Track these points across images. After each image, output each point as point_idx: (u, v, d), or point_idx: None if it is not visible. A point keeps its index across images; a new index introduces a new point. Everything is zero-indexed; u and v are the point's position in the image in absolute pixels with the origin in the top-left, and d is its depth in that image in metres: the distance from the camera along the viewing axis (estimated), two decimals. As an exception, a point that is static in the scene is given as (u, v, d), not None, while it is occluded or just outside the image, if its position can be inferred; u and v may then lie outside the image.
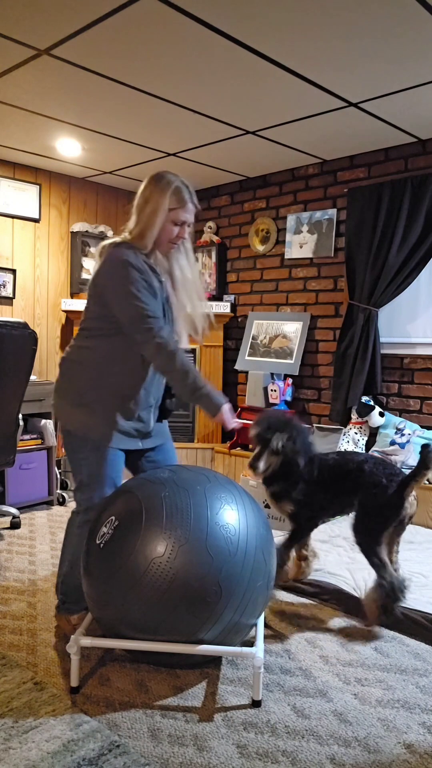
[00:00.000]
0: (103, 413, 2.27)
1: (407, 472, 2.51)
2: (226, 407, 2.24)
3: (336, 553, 3.20)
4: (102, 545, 2.04)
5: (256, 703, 2.00)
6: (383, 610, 2.44)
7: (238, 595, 1.98)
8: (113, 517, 2.06)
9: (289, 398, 4.57)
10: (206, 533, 1.97)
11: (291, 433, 2.56)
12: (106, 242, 2.28)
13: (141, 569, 1.93)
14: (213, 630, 1.98)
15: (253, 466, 2.54)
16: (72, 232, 5.04)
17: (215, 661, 2.24)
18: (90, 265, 5.18)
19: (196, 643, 1.99)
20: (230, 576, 1.96)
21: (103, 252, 2.27)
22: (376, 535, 2.46)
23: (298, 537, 2.72)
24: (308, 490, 2.61)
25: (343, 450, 3.43)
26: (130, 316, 2.17)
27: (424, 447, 2.42)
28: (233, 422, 2.26)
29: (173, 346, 2.17)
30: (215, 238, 5.15)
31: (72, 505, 4.34)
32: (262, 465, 2.55)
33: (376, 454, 3.96)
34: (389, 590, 2.40)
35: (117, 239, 2.27)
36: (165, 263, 2.35)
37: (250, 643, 2.19)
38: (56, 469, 4.37)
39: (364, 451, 4.12)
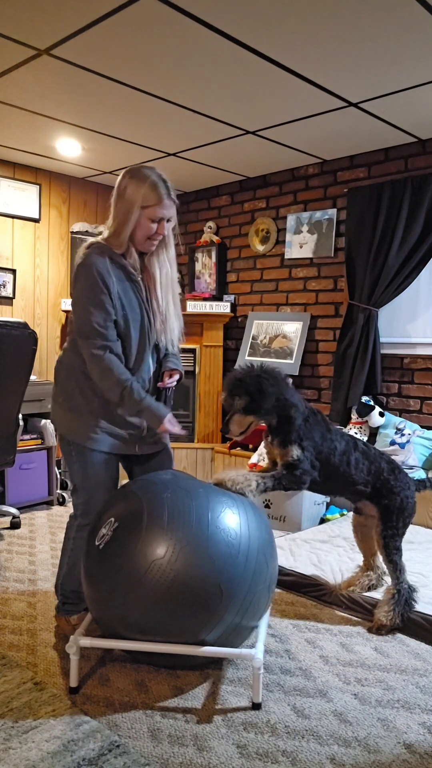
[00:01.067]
0: (89, 417, 2.25)
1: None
2: (168, 416, 2.20)
3: (336, 553, 3.20)
4: (101, 546, 2.04)
5: (256, 706, 1.99)
6: (401, 616, 2.47)
7: (239, 597, 1.97)
8: (112, 519, 2.06)
9: (289, 398, 4.57)
10: (208, 535, 1.96)
11: (260, 389, 2.29)
12: (84, 244, 2.24)
13: (141, 570, 1.92)
14: (214, 632, 1.98)
15: (223, 431, 2.42)
16: (72, 232, 5.04)
17: (216, 662, 2.23)
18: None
19: (196, 645, 1.99)
20: (232, 579, 1.95)
21: (78, 255, 2.24)
22: (401, 539, 2.52)
23: (318, 489, 2.52)
24: (316, 433, 2.41)
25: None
26: (77, 326, 2.17)
27: None
28: (177, 429, 2.23)
29: (108, 362, 2.14)
30: (215, 238, 5.15)
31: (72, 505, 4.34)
32: (233, 428, 2.35)
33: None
34: (408, 594, 2.46)
35: (93, 239, 2.23)
36: (145, 261, 2.27)
37: (253, 645, 2.19)
38: (56, 469, 4.37)
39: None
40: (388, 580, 2.63)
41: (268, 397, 2.29)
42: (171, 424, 2.21)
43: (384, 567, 2.70)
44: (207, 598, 1.92)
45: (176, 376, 2.38)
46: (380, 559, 2.64)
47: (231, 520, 2.03)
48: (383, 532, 2.50)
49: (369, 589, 2.74)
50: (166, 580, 1.91)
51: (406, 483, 2.55)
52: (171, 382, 2.35)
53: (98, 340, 2.14)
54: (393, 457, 3.85)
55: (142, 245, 2.21)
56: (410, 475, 2.66)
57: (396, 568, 2.48)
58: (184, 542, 1.93)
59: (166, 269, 2.29)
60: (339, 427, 2.64)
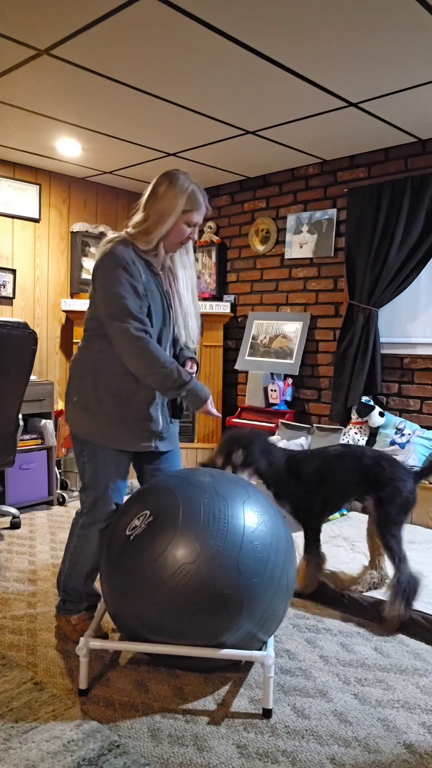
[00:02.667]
0: (103, 415, 2.25)
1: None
2: (210, 398, 2.28)
3: (336, 553, 3.20)
4: (132, 537, 2.01)
5: (266, 713, 1.96)
6: (406, 603, 2.48)
7: (258, 614, 1.97)
8: (147, 512, 2.03)
9: (289, 398, 4.57)
10: (240, 548, 1.94)
11: (242, 447, 2.58)
12: (105, 239, 2.27)
13: (169, 571, 1.91)
14: (227, 640, 1.97)
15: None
16: (72, 232, 5.04)
17: (226, 668, 2.21)
18: (90, 265, 5.18)
19: (208, 648, 1.97)
20: (254, 595, 1.94)
21: (100, 250, 2.26)
22: (401, 529, 2.57)
23: (310, 535, 2.74)
24: (298, 487, 2.65)
25: (344, 442, 3.45)
26: (109, 312, 2.15)
27: None
28: (216, 412, 2.31)
29: (152, 344, 2.15)
30: (215, 238, 5.15)
31: (72, 504, 4.34)
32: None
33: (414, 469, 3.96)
34: (410, 582, 2.48)
35: (115, 235, 2.26)
36: (167, 261, 2.35)
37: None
38: (56, 469, 4.37)
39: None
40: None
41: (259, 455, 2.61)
42: (211, 406, 2.29)
43: (386, 569, 2.74)
44: (227, 610, 1.91)
45: (195, 367, 2.45)
46: (385, 559, 2.68)
47: (263, 535, 2.01)
48: (378, 521, 2.57)
49: (371, 587, 2.74)
50: (190, 586, 1.89)
51: (398, 473, 2.59)
52: (192, 371, 2.41)
53: (137, 323, 2.14)
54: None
55: (172, 247, 2.28)
56: (408, 467, 2.72)
57: (394, 555, 2.51)
58: (215, 551, 1.91)
59: (188, 271, 2.39)
60: (304, 450, 2.86)
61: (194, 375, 2.40)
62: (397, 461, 2.66)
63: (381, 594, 2.65)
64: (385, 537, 2.54)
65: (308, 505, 2.68)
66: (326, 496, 2.66)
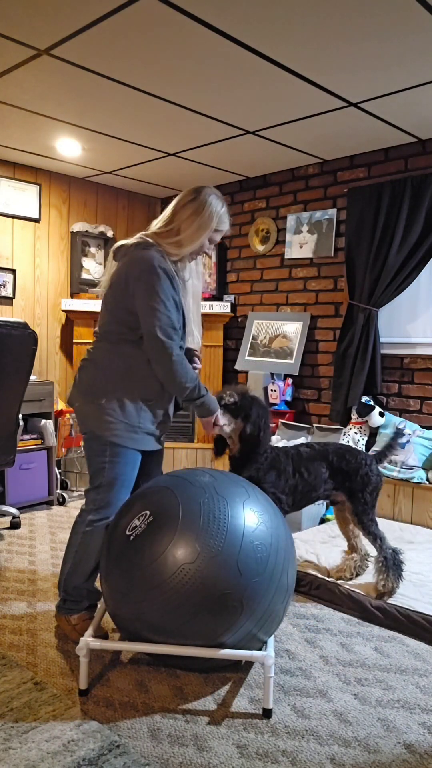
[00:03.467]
0: (134, 417, 2.29)
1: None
2: (219, 413, 2.45)
3: (336, 553, 3.20)
4: (132, 537, 2.02)
5: (266, 713, 1.96)
6: (396, 575, 2.64)
7: (258, 614, 1.97)
8: (147, 512, 2.03)
9: (289, 398, 4.57)
10: (240, 548, 1.94)
11: (251, 408, 2.60)
12: (129, 242, 2.29)
13: (169, 571, 1.91)
14: (227, 640, 1.97)
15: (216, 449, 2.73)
16: (72, 232, 5.04)
17: (226, 668, 2.22)
18: (90, 265, 5.18)
19: (208, 648, 1.97)
20: (254, 595, 1.94)
21: (125, 253, 2.27)
22: (373, 511, 2.76)
23: None
24: (281, 480, 2.68)
25: (308, 441, 3.48)
26: (153, 325, 2.21)
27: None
28: (215, 429, 2.47)
29: (185, 361, 2.27)
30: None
31: (72, 504, 4.34)
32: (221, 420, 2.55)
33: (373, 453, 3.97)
34: (394, 557, 2.67)
35: (146, 240, 2.27)
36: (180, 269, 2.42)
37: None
38: (56, 469, 4.37)
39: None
40: (371, 563, 2.87)
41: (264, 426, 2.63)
42: (214, 421, 2.45)
43: (365, 548, 2.95)
44: (227, 610, 1.91)
45: (198, 362, 2.56)
46: (362, 540, 2.91)
47: (263, 534, 2.01)
48: (354, 510, 2.74)
49: (357, 571, 2.89)
50: (190, 586, 1.89)
51: (362, 461, 2.76)
52: (197, 366, 2.53)
53: (177, 340, 2.25)
54: (393, 457, 3.85)
55: (191, 258, 2.37)
56: (366, 452, 2.90)
57: (376, 538, 2.70)
58: (215, 551, 1.91)
59: (195, 281, 2.47)
60: (279, 445, 2.88)
61: (198, 369, 2.53)
62: (357, 450, 2.81)
63: (371, 576, 2.78)
64: (364, 523, 2.72)
65: (278, 499, 2.71)
66: (298, 496, 2.74)
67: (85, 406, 2.33)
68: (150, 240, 2.27)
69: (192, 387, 2.29)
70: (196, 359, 2.54)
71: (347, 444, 3.26)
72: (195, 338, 2.49)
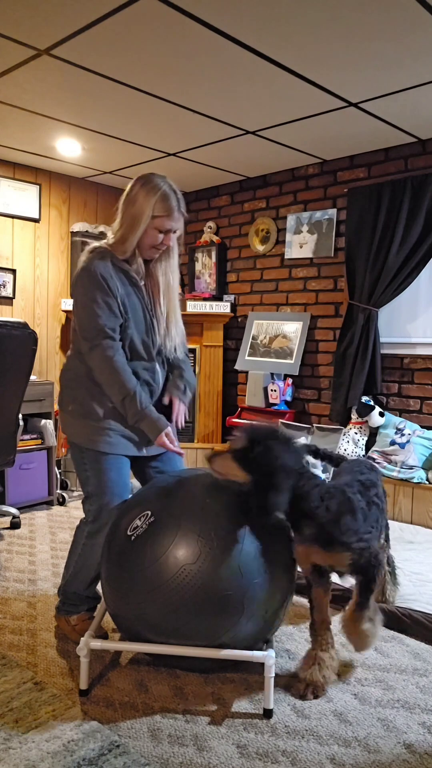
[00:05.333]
0: (101, 421, 2.25)
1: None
2: (167, 430, 2.21)
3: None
4: (133, 538, 2.01)
5: (267, 713, 1.96)
6: (396, 583, 2.58)
7: (258, 615, 1.97)
8: (149, 512, 2.03)
9: (289, 398, 4.57)
10: (241, 549, 1.94)
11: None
12: (86, 249, 2.25)
13: (170, 572, 1.90)
14: (228, 642, 1.97)
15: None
16: (72, 232, 5.04)
17: (226, 668, 2.21)
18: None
19: (208, 648, 1.97)
20: (255, 596, 1.94)
21: (79, 262, 2.24)
22: None
23: None
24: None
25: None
26: (82, 329, 2.17)
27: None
28: (174, 447, 2.23)
29: (117, 365, 2.15)
30: (215, 238, 5.15)
31: (72, 504, 4.34)
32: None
33: (376, 454, 3.97)
34: (393, 565, 2.59)
35: (95, 245, 2.23)
36: (153, 268, 2.29)
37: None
38: (56, 469, 4.37)
39: (363, 452, 4.12)
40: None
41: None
42: (168, 440, 2.22)
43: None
44: (227, 611, 1.91)
45: (181, 408, 2.36)
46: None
47: (266, 535, 2.00)
48: None
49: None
50: (192, 587, 1.89)
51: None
52: (178, 416, 2.35)
53: (107, 342, 2.15)
54: (393, 457, 3.85)
55: (146, 253, 2.23)
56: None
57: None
58: (217, 552, 1.91)
59: (169, 277, 2.31)
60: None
61: (183, 420, 2.36)
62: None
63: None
64: None
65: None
66: None
67: (60, 415, 2.34)
68: (98, 243, 2.23)
69: (127, 394, 2.14)
70: (175, 401, 2.34)
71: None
72: (173, 339, 2.33)
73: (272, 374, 4.60)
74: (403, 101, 3.31)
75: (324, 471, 3.84)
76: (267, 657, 1.96)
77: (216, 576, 1.89)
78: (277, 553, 2.03)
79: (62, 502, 4.35)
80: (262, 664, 1.98)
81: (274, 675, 1.98)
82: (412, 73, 2.97)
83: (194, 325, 4.87)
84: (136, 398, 2.17)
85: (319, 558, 2.00)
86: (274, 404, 4.54)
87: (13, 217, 4.69)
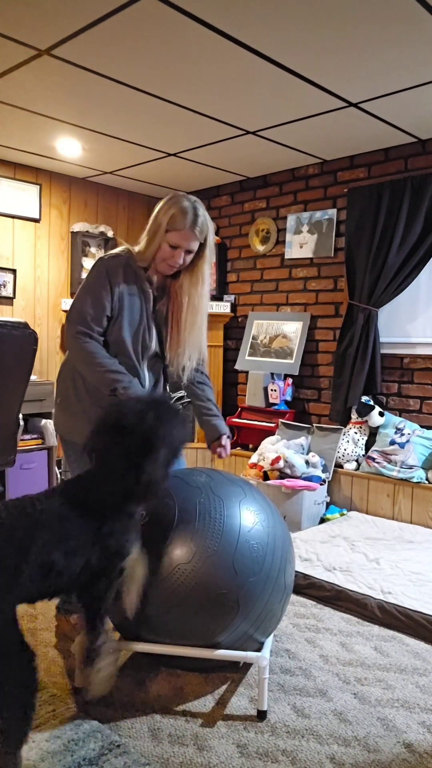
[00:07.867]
0: (83, 415, 2.24)
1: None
2: None
3: (335, 553, 3.20)
4: None
5: (261, 715, 1.95)
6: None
7: (255, 613, 1.97)
8: (143, 512, 2.04)
9: (289, 398, 4.57)
10: (235, 548, 1.94)
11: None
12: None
13: (165, 571, 1.91)
14: (223, 641, 1.97)
15: None
16: (72, 232, 5.04)
17: (226, 668, 2.21)
18: (90, 265, 5.18)
19: (204, 647, 1.97)
20: (250, 594, 1.94)
21: None
22: None
23: None
24: None
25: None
26: (69, 311, 2.23)
27: None
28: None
29: (91, 346, 2.14)
30: (215, 238, 5.14)
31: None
32: None
33: (376, 453, 3.97)
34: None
35: (127, 246, 2.28)
36: (178, 285, 2.28)
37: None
38: (56, 468, 4.37)
39: (363, 451, 4.12)
40: None
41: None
42: None
43: None
44: (222, 610, 1.91)
45: (227, 443, 2.51)
46: None
47: (259, 534, 2.00)
48: None
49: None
50: (186, 586, 1.89)
51: None
52: (223, 451, 2.50)
53: (83, 326, 2.16)
54: (392, 457, 3.85)
55: (159, 265, 2.24)
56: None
57: None
58: (211, 551, 1.91)
59: (195, 302, 2.28)
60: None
61: (226, 441, 2.49)
62: None
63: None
64: None
65: None
66: None
67: (54, 408, 2.39)
68: (129, 246, 2.28)
69: (102, 369, 2.10)
70: (217, 448, 2.45)
71: None
72: (189, 363, 2.31)
73: (272, 374, 4.60)
74: (403, 101, 3.31)
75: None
76: (260, 658, 1.96)
77: (211, 575, 1.90)
78: (273, 552, 2.03)
79: (62, 502, 4.35)
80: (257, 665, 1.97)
81: (268, 676, 1.98)
82: (412, 73, 2.98)
83: (194, 325, 4.87)
84: (117, 372, 2.12)
85: None
86: (274, 404, 4.55)
87: (13, 217, 4.69)
